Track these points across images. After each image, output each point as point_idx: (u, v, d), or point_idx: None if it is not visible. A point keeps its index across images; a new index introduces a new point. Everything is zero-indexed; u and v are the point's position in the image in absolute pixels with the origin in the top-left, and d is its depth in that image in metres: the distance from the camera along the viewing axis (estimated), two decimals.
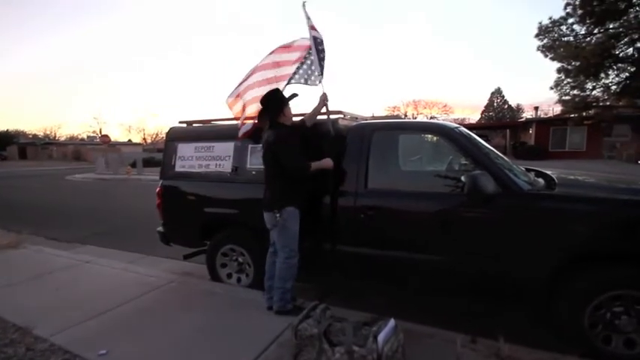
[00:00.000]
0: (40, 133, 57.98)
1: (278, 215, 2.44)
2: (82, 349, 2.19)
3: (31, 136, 55.38)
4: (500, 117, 46.36)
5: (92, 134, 52.67)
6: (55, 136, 58.10)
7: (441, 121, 2.91)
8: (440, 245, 2.40)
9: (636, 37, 13.42)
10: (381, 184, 2.66)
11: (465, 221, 2.36)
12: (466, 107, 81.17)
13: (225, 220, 3.24)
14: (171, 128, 3.70)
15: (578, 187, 2.53)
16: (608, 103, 15.76)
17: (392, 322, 1.84)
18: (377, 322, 1.84)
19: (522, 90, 72.91)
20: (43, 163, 33.27)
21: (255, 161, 3.02)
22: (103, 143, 23.55)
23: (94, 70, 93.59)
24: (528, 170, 2.93)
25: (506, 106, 49.30)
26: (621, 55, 14.10)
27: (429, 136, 3.05)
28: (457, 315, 2.64)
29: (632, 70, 14.30)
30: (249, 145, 3.13)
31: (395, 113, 42.54)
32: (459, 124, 3.45)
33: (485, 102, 50.59)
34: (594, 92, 15.24)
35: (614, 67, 14.64)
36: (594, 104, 15.73)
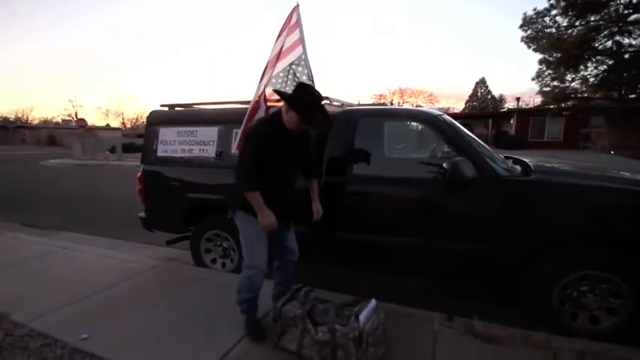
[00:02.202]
0: (11, 116, 55.06)
1: (231, 216, 2.17)
2: (62, 334, 2.17)
3: (1, 119, 52.49)
4: (484, 107, 47.20)
5: (67, 118, 50.40)
6: (27, 120, 55.27)
7: (424, 109, 2.94)
8: (423, 229, 2.47)
9: (615, 30, 13.80)
10: (366, 170, 2.69)
11: (446, 206, 2.42)
12: (451, 97, 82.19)
13: (209, 206, 3.22)
14: (152, 112, 3.60)
15: (552, 173, 2.63)
16: (585, 95, 16.26)
17: (373, 302, 1.90)
18: (359, 302, 1.89)
19: (506, 81, 74.47)
20: (16, 148, 31.75)
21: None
22: (79, 127, 22.64)
23: (69, 50, 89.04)
24: (507, 158, 3.02)
25: (489, 96, 50.16)
26: (600, 47, 14.51)
27: (414, 123, 3.09)
28: (435, 298, 2.74)
29: (609, 62, 14.76)
30: (234, 130, 3.08)
31: (381, 101, 42.62)
32: (443, 112, 3.50)
33: (469, 92, 51.32)
34: (573, 84, 15.72)
35: (593, 60, 15.08)
36: (573, 96, 16.21)
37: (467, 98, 51.43)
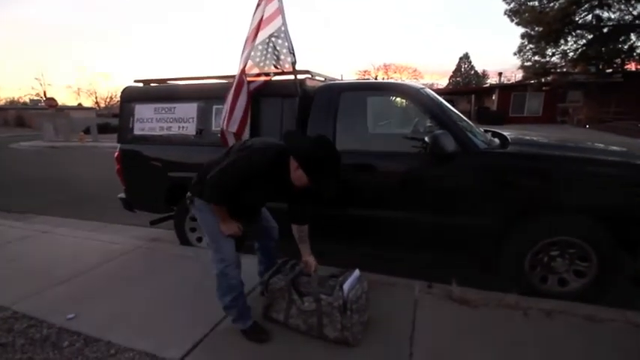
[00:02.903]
0: None
1: (188, 202, 1.93)
2: (47, 315, 2.16)
3: None
4: (467, 82, 47.35)
5: (36, 98, 47.39)
6: None
7: (406, 82, 2.93)
8: (406, 202, 2.53)
9: (596, 3, 13.89)
10: (349, 145, 2.69)
11: (428, 179, 2.47)
12: (435, 72, 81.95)
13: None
14: (126, 88, 3.44)
15: (528, 145, 2.71)
16: (564, 70, 16.53)
17: (356, 272, 1.95)
18: (343, 273, 1.95)
19: (490, 56, 74.53)
20: None
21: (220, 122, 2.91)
22: (49, 107, 21.40)
23: (32, 25, 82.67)
24: (486, 132, 3.08)
25: (472, 72, 50.25)
26: (580, 21, 14.61)
27: (397, 98, 3.08)
28: (416, 269, 2.86)
29: (589, 37, 14.95)
30: (214, 106, 3.00)
31: (365, 77, 42.13)
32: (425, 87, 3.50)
33: (453, 67, 51.22)
34: (553, 58, 15.90)
35: (573, 34, 15.21)
36: (552, 70, 16.45)
37: (451, 74, 51.42)
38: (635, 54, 14.50)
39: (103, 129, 19.63)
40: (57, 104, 22.37)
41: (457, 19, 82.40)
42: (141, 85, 3.44)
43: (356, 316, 1.82)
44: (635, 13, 13.85)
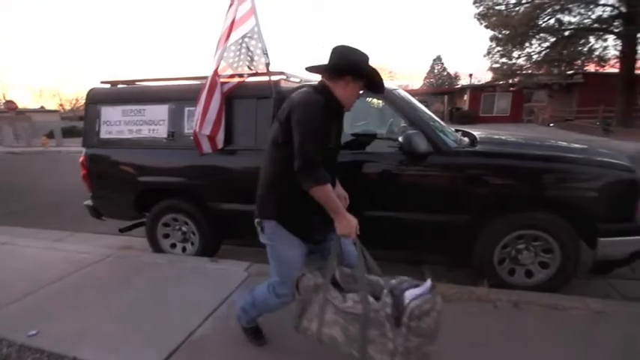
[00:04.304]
0: None
1: (260, 229, 1.60)
2: (8, 333, 2.02)
3: None
4: (440, 83, 48.77)
5: None
6: None
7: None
8: (381, 201, 2.56)
9: (557, 8, 14.68)
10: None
11: (402, 178, 2.51)
12: (409, 74, 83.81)
13: (163, 189, 3.08)
14: (91, 89, 3.28)
15: (495, 143, 2.83)
16: (530, 71, 17.37)
17: (428, 281, 1.33)
18: (396, 277, 1.42)
19: (462, 58, 77.28)
20: None
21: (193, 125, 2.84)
22: (9, 110, 20.17)
23: None
24: (457, 131, 3.18)
25: (445, 73, 51.83)
26: (543, 25, 15.39)
27: (372, 99, 3.12)
28: (394, 265, 2.90)
29: (551, 40, 15.77)
30: (186, 108, 2.92)
31: None
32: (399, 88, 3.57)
33: (427, 69, 52.67)
34: (519, 60, 16.63)
35: (537, 37, 16.00)
36: (519, 72, 17.23)
37: (425, 75, 52.82)
38: (594, 56, 15.46)
39: (68, 132, 18.68)
40: (17, 107, 21.07)
41: (430, 21, 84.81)
42: (108, 86, 3.30)
43: (415, 340, 1.23)
44: (593, 17, 14.78)
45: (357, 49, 1.54)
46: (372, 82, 1.56)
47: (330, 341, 1.40)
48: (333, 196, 1.46)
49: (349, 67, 1.49)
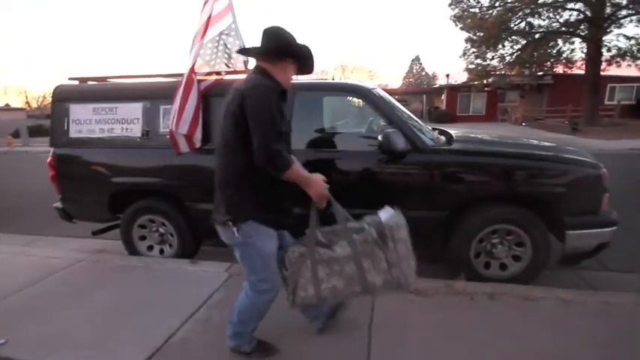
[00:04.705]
0: None
1: (235, 230, 1.50)
2: None
3: None
4: (419, 83, 49.72)
5: None
6: None
7: (359, 82, 2.99)
8: (361, 198, 2.57)
9: (528, 12, 15.27)
10: (305, 145, 2.69)
11: (381, 176, 2.54)
12: (389, 74, 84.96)
13: (138, 190, 2.97)
14: (58, 86, 3.12)
15: (470, 142, 2.91)
16: (503, 72, 17.99)
17: (388, 208, 1.58)
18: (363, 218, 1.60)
19: (439, 58, 79.08)
20: None
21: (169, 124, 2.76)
22: None
23: None
24: (434, 129, 3.26)
25: (424, 73, 52.90)
26: (515, 28, 15.97)
27: (352, 98, 3.14)
28: None
29: (523, 42, 16.39)
30: (161, 106, 2.84)
31: (323, 77, 42.53)
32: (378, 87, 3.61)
33: (406, 69, 53.57)
34: (493, 62, 17.19)
35: (510, 39, 16.58)
36: (492, 73, 17.81)
37: (404, 75, 53.69)
38: (562, 58, 16.19)
39: (36, 132, 17.74)
40: None
41: (409, 22, 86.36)
42: (76, 82, 3.15)
43: (402, 248, 1.46)
44: (561, 20, 15.47)
45: (288, 31, 1.52)
46: (305, 63, 1.56)
47: (332, 293, 1.52)
48: (300, 169, 1.48)
49: (290, 48, 1.49)
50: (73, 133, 3.00)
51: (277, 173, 1.42)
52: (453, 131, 3.16)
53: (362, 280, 1.49)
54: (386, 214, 1.55)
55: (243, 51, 1.74)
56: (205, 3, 2.79)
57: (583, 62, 15.57)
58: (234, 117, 1.42)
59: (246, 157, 1.42)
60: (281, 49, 1.48)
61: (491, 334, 1.88)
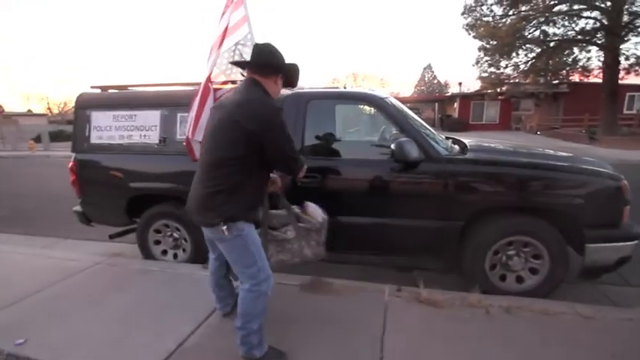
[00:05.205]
0: None
1: (225, 228, 1.56)
2: None
3: None
4: (431, 91, 49.49)
5: None
6: None
7: (372, 91, 3.01)
8: (374, 207, 2.58)
9: (542, 20, 15.12)
10: (317, 153, 2.72)
11: (394, 185, 2.53)
12: (400, 82, 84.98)
13: (155, 195, 3.04)
14: (81, 94, 3.24)
15: (485, 151, 2.88)
16: (517, 81, 17.78)
17: (307, 203, 2.19)
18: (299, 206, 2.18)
19: (452, 66, 78.61)
20: None
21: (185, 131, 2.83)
22: None
23: None
24: (447, 138, 3.24)
25: (435, 81, 52.65)
26: (529, 36, 15.81)
27: (364, 107, 3.16)
28: (386, 271, 2.91)
29: (537, 50, 16.20)
30: (178, 114, 2.91)
31: (334, 85, 42.81)
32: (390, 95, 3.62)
33: (418, 77, 53.46)
34: (507, 70, 17.01)
35: (524, 48, 16.41)
36: (506, 81, 17.61)
37: (415, 83, 53.58)
38: (578, 66, 15.91)
39: (56, 137, 18.33)
40: (3, 110, 20.63)
41: (421, 31, 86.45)
42: (98, 91, 3.27)
43: (325, 231, 2.09)
44: (577, 29, 15.25)
45: (273, 48, 1.68)
46: (292, 79, 1.75)
47: (279, 264, 2.00)
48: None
49: (284, 66, 1.68)
50: (94, 140, 3.11)
51: (296, 173, 1.76)
52: (467, 140, 3.14)
53: (300, 255, 2.00)
54: (319, 210, 2.13)
55: (240, 63, 1.86)
56: (223, 14, 2.87)
57: (600, 70, 15.25)
58: (242, 129, 1.50)
59: (245, 169, 1.55)
60: (276, 66, 1.66)
61: (506, 349, 1.83)
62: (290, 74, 1.72)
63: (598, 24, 14.42)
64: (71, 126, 3.44)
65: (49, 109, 46.67)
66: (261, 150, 1.54)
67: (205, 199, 1.60)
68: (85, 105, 3.18)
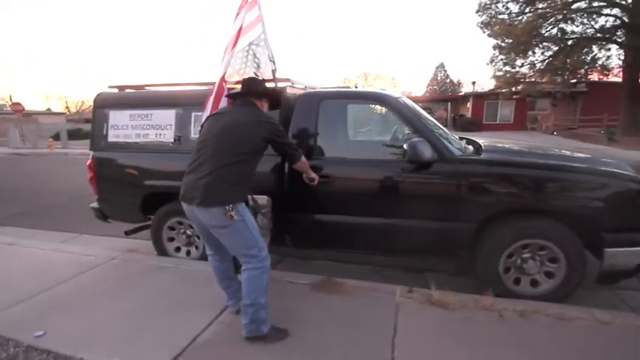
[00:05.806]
0: None
1: (230, 208, 1.78)
2: (14, 333, 2.03)
3: None
4: (443, 90, 48.82)
5: (1, 102, 44.82)
6: None
7: (384, 91, 2.99)
8: (386, 208, 2.56)
9: (560, 17, 14.73)
10: (329, 152, 2.72)
11: (407, 185, 2.52)
12: (412, 81, 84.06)
13: (169, 193, 3.09)
14: (100, 94, 3.33)
15: (499, 152, 2.82)
16: (533, 80, 17.37)
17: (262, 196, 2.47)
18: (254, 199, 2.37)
19: (465, 65, 77.45)
20: None
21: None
22: (16, 112, 20.38)
23: None
24: (461, 139, 3.19)
25: (448, 81, 51.92)
26: (546, 34, 15.43)
27: (376, 106, 3.14)
28: (397, 273, 2.91)
29: (554, 49, 15.80)
30: (193, 113, 2.96)
31: (346, 84, 42.67)
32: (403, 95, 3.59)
33: (430, 76, 52.82)
34: (522, 69, 16.64)
35: (540, 46, 16.02)
36: (522, 80, 17.23)
37: (428, 82, 52.95)
38: (597, 65, 15.46)
39: (74, 135, 18.83)
40: (24, 109, 21.31)
41: (433, 29, 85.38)
42: (115, 90, 3.35)
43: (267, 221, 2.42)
44: (596, 26, 14.80)
45: (258, 80, 2.27)
46: (276, 102, 2.26)
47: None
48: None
49: (269, 92, 2.19)
50: (111, 138, 3.18)
51: (296, 163, 2.20)
52: (481, 140, 3.09)
53: (266, 235, 2.34)
54: (264, 198, 2.46)
55: (240, 94, 2.13)
56: (237, 14, 2.90)
57: (620, 69, 14.78)
58: (263, 140, 1.94)
59: (253, 164, 1.97)
60: (266, 93, 2.15)
61: (520, 354, 1.80)
62: (274, 98, 2.23)
63: (618, 21, 13.99)
64: (88, 124, 3.53)
65: (67, 107, 48.03)
66: (263, 150, 1.99)
67: (212, 184, 1.82)
68: (103, 104, 3.26)
